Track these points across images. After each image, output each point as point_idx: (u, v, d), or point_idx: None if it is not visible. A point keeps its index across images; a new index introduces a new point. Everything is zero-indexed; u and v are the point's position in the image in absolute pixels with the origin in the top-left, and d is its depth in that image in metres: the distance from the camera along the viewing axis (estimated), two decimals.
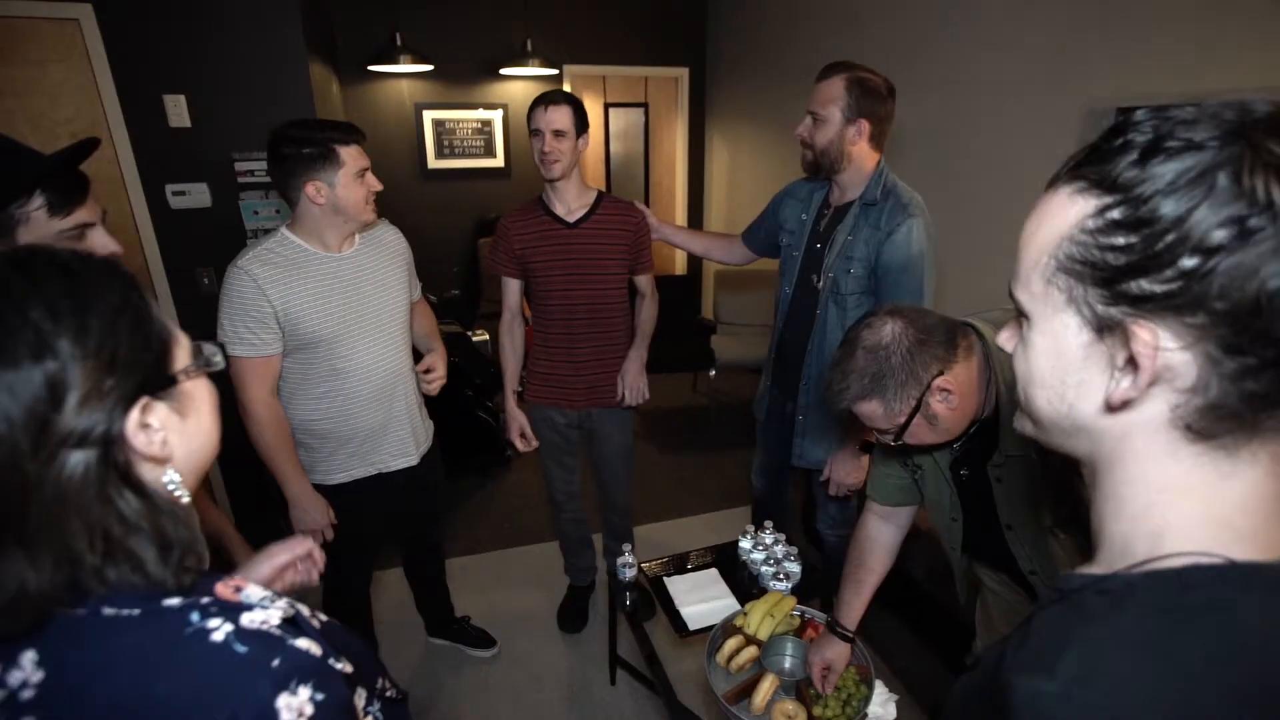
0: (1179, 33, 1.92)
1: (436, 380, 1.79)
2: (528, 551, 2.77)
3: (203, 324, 2.62)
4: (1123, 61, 2.09)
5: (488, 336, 3.98)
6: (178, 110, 2.38)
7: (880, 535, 1.38)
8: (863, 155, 1.68)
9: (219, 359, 0.59)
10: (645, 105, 4.84)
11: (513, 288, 2.06)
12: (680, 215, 5.09)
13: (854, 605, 1.39)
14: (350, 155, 1.48)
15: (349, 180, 1.48)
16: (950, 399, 0.97)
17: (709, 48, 4.69)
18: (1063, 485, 0.98)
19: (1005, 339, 0.59)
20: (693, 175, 5.02)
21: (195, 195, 2.48)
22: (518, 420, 2.07)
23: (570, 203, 1.92)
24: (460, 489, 3.22)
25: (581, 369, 2.02)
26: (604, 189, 1.94)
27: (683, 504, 3.12)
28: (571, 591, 2.41)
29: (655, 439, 3.74)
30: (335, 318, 1.54)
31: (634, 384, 2.03)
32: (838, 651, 1.40)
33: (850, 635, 1.40)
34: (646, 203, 5.50)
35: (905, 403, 0.97)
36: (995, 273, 2.61)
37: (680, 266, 5.10)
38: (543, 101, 1.81)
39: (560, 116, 1.79)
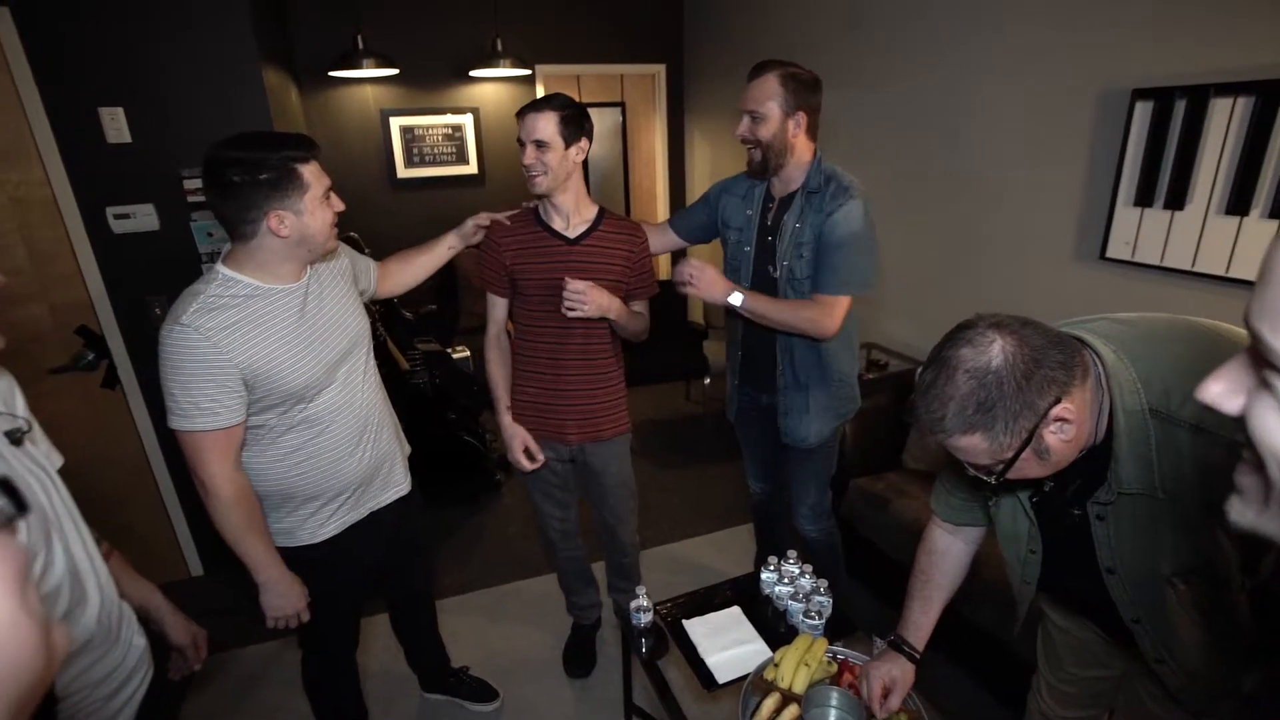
0: (1201, 4, 1.81)
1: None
2: (526, 586, 2.59)
3: (155, 359, 2.37)
4: (1139, 39, 1.96)
5: (469, 353, 3.78)
6: (116, 124, 2.14)
7: (948, 549, 1.25)
8: (803, 147, 1.75)
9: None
10: (622, 104, 4.68)
11: (499, 305, 1.87)
12: (662, 216, 4.93)
13: (921, 623, 1.27)
14: (313, 174, 1.27)
15: (315, 204, 1.27)
16: (1066, 429, 0.81)
17: (685, 42, 4.54)
18: (1194, 531, 0.83)
19: (1222, 394, 0.42)
20: (673, 174, 4.86)
21: (141, 218, 2.25)
22: (519, 436, 1.84)
23: (570, 217, 1.74)
24: (448, 519, 3.02)
25: (574, 399, 1.83)
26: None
27: (686, 523, 2.96)
28: (576, 632, 2.23)
29: (651, 454, 3.57)
30: (308, 360, 1.32)
31: (595, 295, 1.66)
32: (903, 669, 1.27)
33: (918, 655, 1.27)
34: (627, 204, 5.33)
35: (1015, 436, 0.80)
36: (1002, 271, 2.49)
37: (664, 271, 4.94)
38: (525, 109, 1.64)
39: (542, 125, 1.61)
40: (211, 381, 1.21)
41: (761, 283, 1.87)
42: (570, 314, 1.67)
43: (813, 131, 1.76)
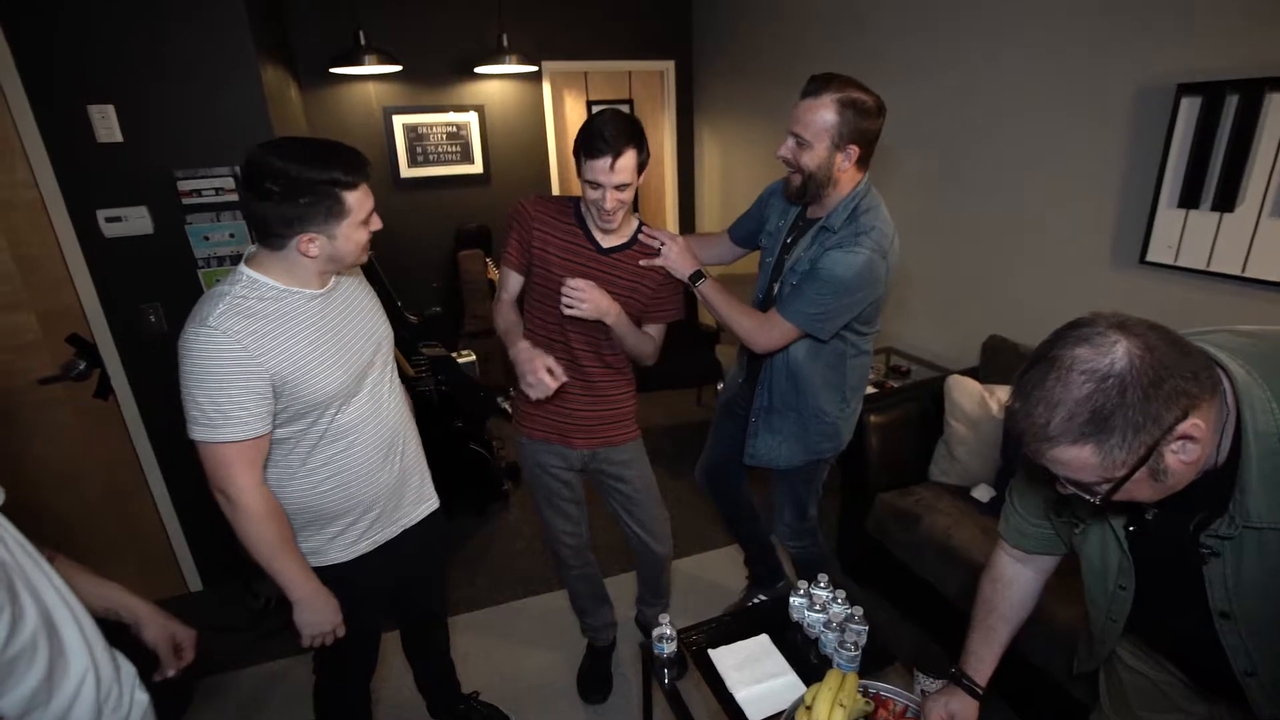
0: None
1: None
2: (537, 603, 2.49)
3: (151, 368, 2.25)
4: (1183, 31, 1.86)
5: (475, 357, 3.68)
6: (106, 123, 2.04)
7: (1015, 578, 1.15)
8: (848, 178, 1.61)
9: None
10: (630, 102, 4.57)
11: (512, 279, 1.72)
12: (671, 217, 4.83)
13: (984, 656, 1.18)
14: (357, 200, 1.17)
15: (352, 229, 1.19)
16: (1190, 449, 0.71)
17: (695, 38, 4.44)
18: None
19: None
20: (682, 174, 4.77)
21: (133, 221, 2.14)
22: (536, 356, 1.54)
23: (609, 231, 1.64)
24: (454, 532, 2.92)
25: (580, 403, 1.74)
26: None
27: (705, 535, 2.85)
28: (591, 653, 2.13)
29: (664, 462, 3.46)
30: (338, 367, 1.26)
31: (595, 295, 1.55)
32: (964, 704, 1.18)
33: (980, 690, 1.18)
34: (635, 205, 5.23)
35: (1132, 452, 0.70)
36: (1033, 276, 2.39)
37: None
38: (604, 150, 1.43)
39: (627, 166, 1.45)
40: (239, 388, 1.12)
41: (768, 298, 1.80)
42: (567, 310, 1.56)
43: (865, 161, 1.60)
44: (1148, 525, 0.88)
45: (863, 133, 1.54)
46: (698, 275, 1.68)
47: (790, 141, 1.58)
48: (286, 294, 1.20)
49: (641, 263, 1.66)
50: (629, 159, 1.46)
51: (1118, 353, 0.69)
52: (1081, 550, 0.99)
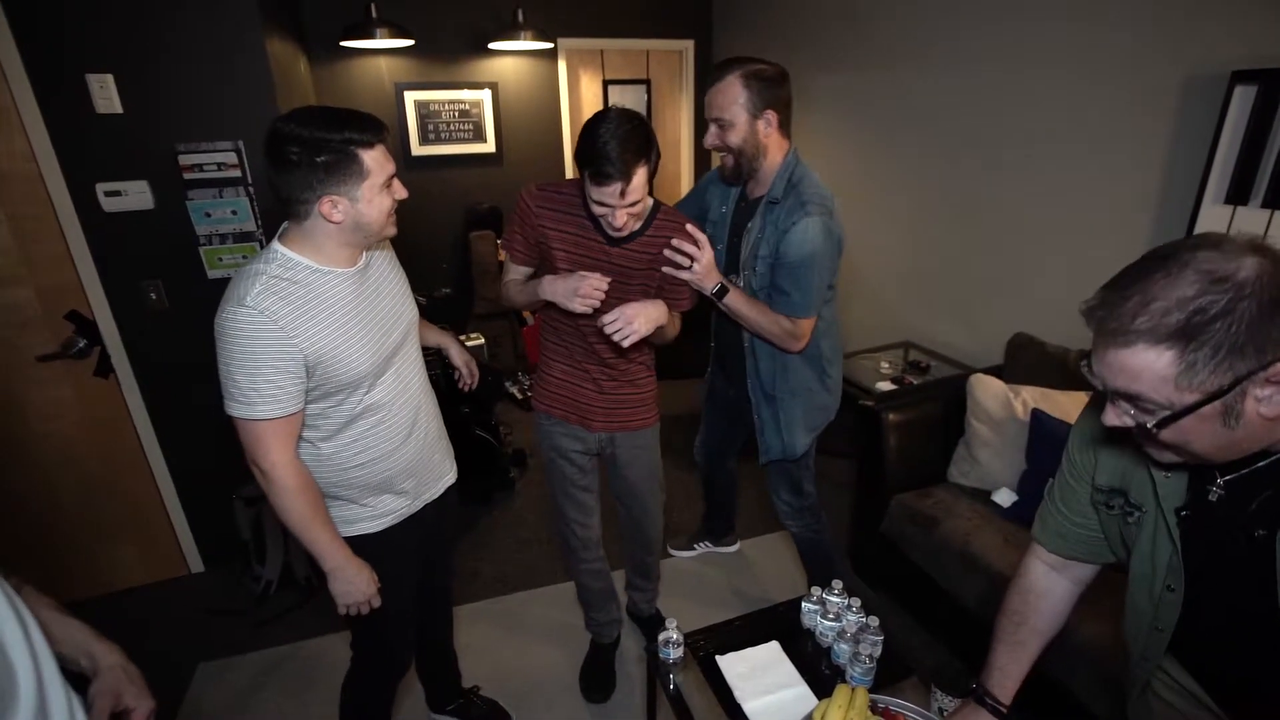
0: None
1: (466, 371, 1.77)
2: (541, 595, 2.44)
3: (151, 346, 2.22)
4: (1240, 14, 1.74)
5: (483, 340, 3.63)
6: (105, 93, 1.97)
7: (1049, 589, 1.07)
8: (775, 146, 1.68)
9: None
10: (647, 82, 4.44)
11: (520, 273, 1.65)
12: None
13: (1010, 672, 1.10)
14: (375, 161, 1.18)
15: (373, 192, 1.19)
16: (1277, 400, 0.64)
17: (715, 17, 4.31)
18: None
19: None
20: (699, 157, 4.65)
21: (134, 195, 2.08)
22: (577, 273, 1.52)
23: None
24: (458, 520, 2.88)
25: (602, 386, 1.72)
26: None
27: None
28: (595, 650, 2.09)
29: (673, 453, 3.38)
30: (370, 350, 1.28)
31: (633, 314, 1.48)
32: None
33: (1004, 709, 1.11)
34: (650, 188, 5.12)
35: (1216, 375, 0.63)
36: (1062, 271, 2.28)
37: None
38: (612, 175, 1.31)
39: (639, 185, 1.37)
40: (275, 367, 1.15)
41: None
42: (627, 344, 1.48)
43: (785, 128, 1.68)
44: (1207, 509, 0.79)
45: (776, 99, 1.63)
46: (722, 290, 1.67)
47: (713, 128, 1.67)
48: (319, 273, 1.21)
49: (664, 270, 1.60)
50: (640, 178, 1.36)
51: (1246, 264, 0.63)
52: (1133, 547, 0.91)
